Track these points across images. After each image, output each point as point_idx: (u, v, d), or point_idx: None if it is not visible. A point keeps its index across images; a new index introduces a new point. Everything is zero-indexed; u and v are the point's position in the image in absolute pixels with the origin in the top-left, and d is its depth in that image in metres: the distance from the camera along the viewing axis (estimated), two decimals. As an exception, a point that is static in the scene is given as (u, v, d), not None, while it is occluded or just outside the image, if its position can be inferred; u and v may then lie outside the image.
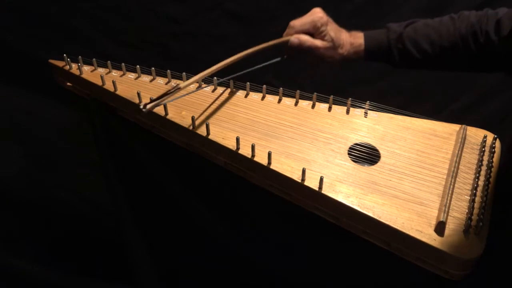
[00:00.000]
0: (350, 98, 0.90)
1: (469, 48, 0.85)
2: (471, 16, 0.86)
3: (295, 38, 0.89)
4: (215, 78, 0.94)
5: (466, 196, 0.74)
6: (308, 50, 0.90)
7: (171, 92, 0.77)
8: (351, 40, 0.92)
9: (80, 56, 0.96)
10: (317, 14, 0.89)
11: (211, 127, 0.83)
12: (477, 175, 0.78)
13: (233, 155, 0.81)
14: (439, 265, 0.69)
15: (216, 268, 1.15)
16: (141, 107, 0.74)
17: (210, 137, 0.82)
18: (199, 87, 0.95)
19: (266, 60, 0.92)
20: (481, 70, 0.92)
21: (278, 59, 0.93)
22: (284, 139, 0.83)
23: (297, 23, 0.90)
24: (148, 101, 0.75)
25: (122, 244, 1.11)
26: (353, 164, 0.79)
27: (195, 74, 0.94)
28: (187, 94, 0.91)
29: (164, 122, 0.87)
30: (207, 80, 0.96)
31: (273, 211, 0.96)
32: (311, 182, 0.75)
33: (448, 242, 0.67)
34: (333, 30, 0.90)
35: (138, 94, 0.88)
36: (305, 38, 0.89)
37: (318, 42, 0.89)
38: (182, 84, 0.78)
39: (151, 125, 0.91)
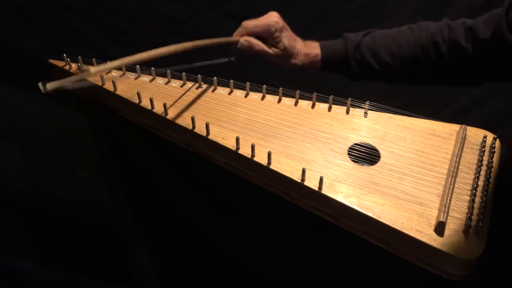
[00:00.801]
0: (350, 98, 0.90)
1: (430, 58, 0.83)
2: (430, 26, 0.84)
3: (245, 41, 0.86)
4: (215, 78, 0.94)
5: (466, 196, 0.74)
6: (258, 55, 0.87)
7: (79, 74, 0.71)
8: (306, 50, 0.89)
9: (80, 56, 0.96)
10: (272, 18, 0.86)
11: (211, 127, 0.83)
12: (477, 175, 0.78)
13: (233, 155, 0.81)
14: (439, 265, 0.69)
15: (216, 268, 1.15)
16: (41, 85, 0.68)
17: (210, 137, 0.82)
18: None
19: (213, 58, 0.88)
20: (444, 83, 0.90)
21: (226, 59, 0.89)
22: (284, 139, 0.83)
23: (250, 24, 0.86)
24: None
25: (122, 244, 1.12)
26: (353, 164, 0.79)
27: (195, 74, 0.94)
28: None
29: (164, 122, 0.87)
30: (207, 80, 0.96)
31: (273, 211, 0.96)
32: (311, 182, 0.75)
33: (448, 242, 0.67)
34: (287, 37, 0.87)
35: (138, 94, 0.88)
36: (256, 42, 0.86)
37: (268, 49, 0.86)
38: (92, 69, 0.71)
39: (151, 125, 0.91)
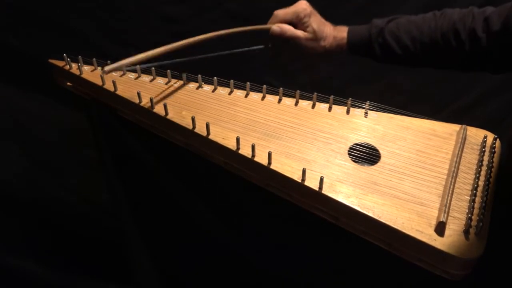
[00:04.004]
0: (350, 98, 0.90)
1: (450, 45, 0.85)
2: (454, 13, 0.87)
3: (276, 27, 0.92)
4: (215, 78, 0.94)
5: (466, 196, 0.74)
6: (290, 39, 0.92)
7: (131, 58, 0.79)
8: (335, 33, 0.94)
9: (80, 56, 0.96)
10: (301, 5, 0.92)
11: (211, 127, 0.83)
12: (477, 175, 0.78)
13: (233, 155, 0.81)
14: (439, 265, 0.69)
15: (216, 268, 1.15)
16: (101, 69, 0.78)
17: (210, 137, 0.82)
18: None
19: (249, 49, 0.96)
20: (466, 69, 0.92)
21: (262, 46, 0.96)
22: (284, 139, 0.83)
23: (280, 12, 0.93)
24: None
25: (122, 244, 1.11)
26: (353, 164, 0.79)
27: (195, 74, 0.95)
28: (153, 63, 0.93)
29: (164, 122, 0.87)
30: (207, 80, 0.96)
31: (273, 211, 0.96)
32: (311, 182, 0.75)
33: (448, 242, 0.67)
34: (316, 22, 0.92)
35: (138, 94, 0.88)
36: (287, 28, 0.92)
37: (299, 33, 0.92)
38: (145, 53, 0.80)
39: (151, 125, 0.91)
